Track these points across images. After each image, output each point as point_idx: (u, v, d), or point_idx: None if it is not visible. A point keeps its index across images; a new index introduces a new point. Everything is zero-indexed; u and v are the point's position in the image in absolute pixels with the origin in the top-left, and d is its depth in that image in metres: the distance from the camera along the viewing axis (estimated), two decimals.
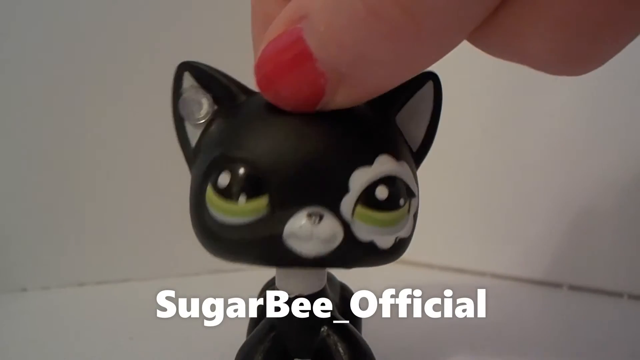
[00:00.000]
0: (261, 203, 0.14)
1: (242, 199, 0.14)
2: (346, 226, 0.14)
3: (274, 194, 0.14)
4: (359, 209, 0.14)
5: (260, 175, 0.14)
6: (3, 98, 0.32)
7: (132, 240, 0.35)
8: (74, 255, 0.34)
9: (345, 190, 0.14)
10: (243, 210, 0.14)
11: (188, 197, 0.16)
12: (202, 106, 0.16)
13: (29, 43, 0.32)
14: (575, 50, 0.13)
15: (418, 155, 0.16)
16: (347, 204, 0.14)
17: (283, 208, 0.14)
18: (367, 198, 0.14)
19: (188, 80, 0.16)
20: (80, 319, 0.28)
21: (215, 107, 0.16)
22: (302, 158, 0.14)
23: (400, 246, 0.15)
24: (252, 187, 0.14)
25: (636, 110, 0.31)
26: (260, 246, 0.14)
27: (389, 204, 0.14)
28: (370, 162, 0.14)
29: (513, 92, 0.35)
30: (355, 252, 0.14)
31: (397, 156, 0.15)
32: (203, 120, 0.16)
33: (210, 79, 0.16)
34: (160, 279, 0.36)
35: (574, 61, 0.13)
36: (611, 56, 0.13)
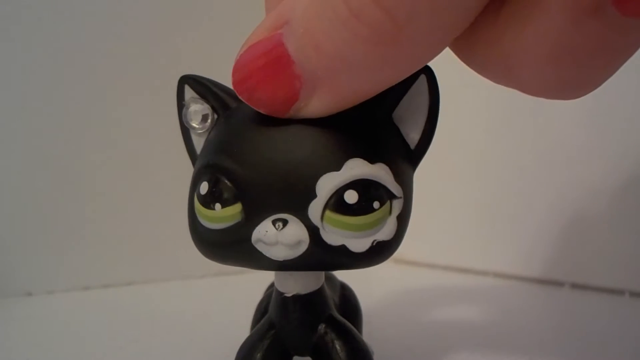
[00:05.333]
0: (235, 210, 0.14)
1: (217, 206, 0.15)
2: (314, 231, 0.14)
3: (246, 202, 0.14)
4: (328, 213, 0.14)
5: (234, 184, 0.14)
6: (8, 104, 0.32)
7: (136, 243, 0.36)
8: (79, 260, 0.34)
9: (312, 196, 0.14)
10: (219, 217, 0.15)
11: None
12: (201, 117, 0.17)
13: (32, 48, 0.33)
14: (565, 80, 0.13)
15: (417, 152, 0.16)
16: (314, 209, 0.14)
17: (254, 215, 0.14)
18: (335, 203, 0.14)
19: (189, 92, 0.17)
20: (85, 322, 0.28)
21: (215, 116, 0.17)
22: (271, 166, 0.14)
23: (380, 249, 0.15)
24: (225, 195, 0.15)
25: (636, 109, 0.31)
26: (236, 250, 0.15)
27: (360, 208, 0.14)
28: (338, 166, 0.14)
29: (516, 91, 0.35)
30: (326, 256, 0.14)
31: (371, 159, 0.14)
32: (204, 130, 0.17)
33: (206, 90, 0.16)
34: (165, 282, 0.36)
35: (565, 88, 0.13)
36: (603, 81, 0.13)
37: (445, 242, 0.39)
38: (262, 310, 0.20)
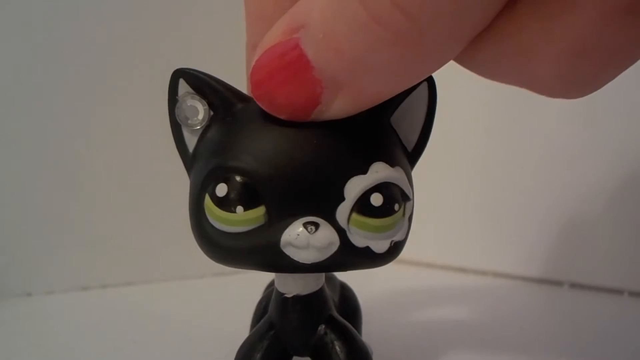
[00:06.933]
0: (258, 213, 0.14)
1: (239, 209, 0.14)
2: (342, 233, 0.14)
3: (270, 205, 0.14)
4: (355, 216, 0.14)
5: (257, 187, 0.14)
6: (7, 105, 0.32)
7: (136, 243, 0.36)
8: (78, 260, 0.34)
9: (340, 199, 0.14)
10: (241, 220, 0.14)
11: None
12: (198, 112, 0.16)
13: (28, 47, 0.33)
14: (582, 76, 0.13)
15: (413, 156, 0.17)
16: (342, 212, 0.14)
17: (280, 217, 0.14)
18: (362, 205, 0.14)
19: (183, 86, 0.16)
20: (84, 323, 0.28)
21: (211, 113, 0.16)
22: (297, 169, 0.14)
23: (395, 249, 0.15)
24: (249, 198, 0.14)
25: (635, 110, 0.31)
26: (259, 254, 0.15)
27: (384, 210, 0.15)
28: (364, 170, 0.14)
29: (516, 92, 0.35)
30: (352, 257, 0.15)
31: (391, 162, 0.15)
32: (199, 127, 0.16)
33: (205, 86, 0.16)
34: (164, 282, 0.36)
35: (577, 87, 0.13)
36: (610, 81, 0.13)
37: (444, 242, 0.39)
38: (261, 309, 0.20)
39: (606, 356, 0.22)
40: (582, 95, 0.14)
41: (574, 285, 0.33)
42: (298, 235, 0.14)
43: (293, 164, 0.14)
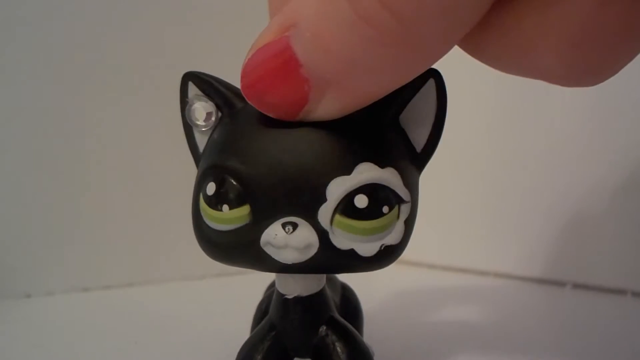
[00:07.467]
0: (243, 212, 0.14)
1: (225, 207, 0.15)
2: (323, 235, 0.14)
3: (254, 204, 0.14)
4: (338, 217, 0.14)
5: (242, 186, 0.14)
6: (7, 104, 0.32)
7: (136, 244, 0.36)
8: (78, 261, 0.34)
9: (322, 199, 0.14)
10: (227, 219, 0.15)
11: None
12: (206, 114, 0.16)
13: (34, 47, 0.33)
14: (587, 65, 0.13)
15: (423, 156, 0.16)
16: (324, 213, 0.14)
17: (263, 217, 0.14)
18: (345, 207, 0.14)
19: (192, 89, 0.17)
20: (84, 324, 0.28)
21: (219, 114, 0.16)
22: (280, 169, 0.14)
23: (387, 253, 0.15)
24: (233, 197, 0.14)
25: (638, 109, 0.31)
26: (244, 252, 0.15)
27: (369, 213, 0.14)
28: (348, 171, 0.14)
29: (517, 90, 0.35)
30: (335, 259, 0.15)
31: (381, 163, 0.14)
32: (208, 128, 0.16)
33: (209, 87, 0.16)
34: (165, 283, 0.36)
35: (587, 73, 0.13)
36: (623, 66, 0.13)
37: (445, 242, 0.39)
38: (262, 311, 0.20)
39: (609, 357, 0.22)
40: (595, 83, 0.13)
41: (576, 286, 0.33)
42: (276, 235, 0.14)
43: (276, 164, 0.14)
